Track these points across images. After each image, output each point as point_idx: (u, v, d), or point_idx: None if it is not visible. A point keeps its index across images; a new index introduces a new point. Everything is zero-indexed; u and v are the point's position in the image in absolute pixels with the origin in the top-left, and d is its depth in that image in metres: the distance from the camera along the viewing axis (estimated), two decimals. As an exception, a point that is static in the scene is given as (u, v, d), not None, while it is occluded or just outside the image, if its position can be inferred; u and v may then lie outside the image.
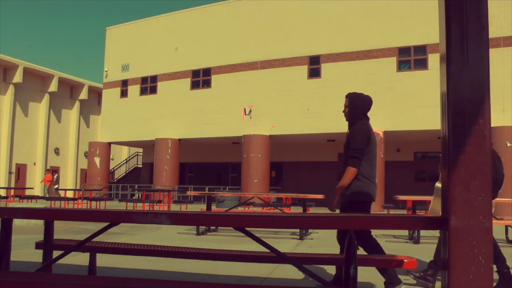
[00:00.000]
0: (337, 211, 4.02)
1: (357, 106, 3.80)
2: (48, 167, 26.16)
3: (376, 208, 15.52)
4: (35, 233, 7.07)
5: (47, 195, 20.44)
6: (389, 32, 16.57)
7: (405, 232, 8.27)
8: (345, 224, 2.17)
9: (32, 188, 23.87)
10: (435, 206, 4.08)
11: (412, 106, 16.01)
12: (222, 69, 19.89)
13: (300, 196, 8.90)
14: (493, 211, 3.96)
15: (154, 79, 21.90)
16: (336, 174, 21.82)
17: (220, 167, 24.07)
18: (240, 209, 10.19)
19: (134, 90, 22.57)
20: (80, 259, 4.42)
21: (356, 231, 3.51)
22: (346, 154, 3.76)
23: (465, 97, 1.76)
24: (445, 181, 1.80)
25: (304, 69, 18.12)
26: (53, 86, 28.89)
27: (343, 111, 3.91)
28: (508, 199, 9.46)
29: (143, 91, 22.30)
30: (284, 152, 21.60)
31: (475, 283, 1.70)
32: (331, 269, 3.44)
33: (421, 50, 16.22)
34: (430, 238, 7.87)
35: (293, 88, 18.07)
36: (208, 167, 24.33)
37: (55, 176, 23.92)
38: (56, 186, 23.21)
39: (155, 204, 13.20)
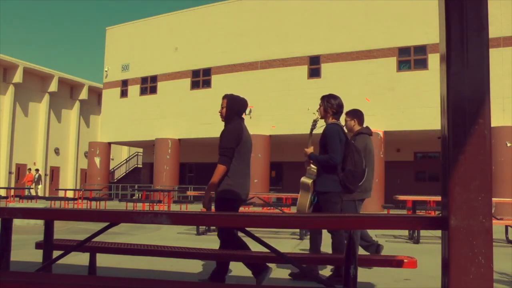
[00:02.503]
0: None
1: (233, 107, 3.94)
2: (29, 167, 25.66)
3: (376, 208, 15.52)
4: (35, 233, 7.07)
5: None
6: (389, 32, 16.57)
7: (405, 232, 8.26)
8: (345, 224, 2.17)
9: (32, 188, 23.87)
10: (302, 201, 4.17)
11: (412, 106, 16.01)
12: (222, 69, 19.90)
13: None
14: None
15: (154, 79, 21.90)
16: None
17: (220, 167, 24.02)
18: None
19: (134, 90, 22.57)
20: (80, 259, 4.41)
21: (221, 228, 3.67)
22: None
23: (465, 97, 1.76)
24: (445, 181, 1.80)
25: (304, 69, 18.12)
26: (53, 86, 28.89)
27: (219, 111, 4.05)
28: (508, 199, 9.47)
29: (143, 91, 22.30)
30: (284, 152, 21.59)
31: (475, 283, 1.70)
32: (331, 269, 3.45)
33: (421, 50, 16.22)
34: (430, 238, 7.87)
35: (293, 88, 18.07)
36: (208, 167, 24.18)
37: (36, 176, 23.65)
38: (39, 186, 22.73)
39: (155, 204, 13.20)
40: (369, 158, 4.72)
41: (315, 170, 4.22)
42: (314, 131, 4.39)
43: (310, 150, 4.26)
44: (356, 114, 5.06)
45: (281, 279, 4.28)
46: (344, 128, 4.35)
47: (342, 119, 4.59)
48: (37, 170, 24.67)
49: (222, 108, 4.02)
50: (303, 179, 4.26)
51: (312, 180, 4.19)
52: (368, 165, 4.63)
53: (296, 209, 4.31)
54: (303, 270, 4.11)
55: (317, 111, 4.40)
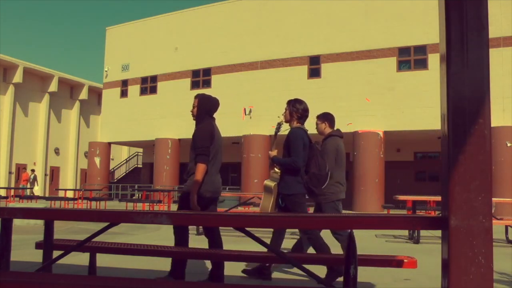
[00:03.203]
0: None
1: (204, 107, 4.03)
2: (14, 166, 25.51)
3: (376, 208, 15.53)
4: (35, 233, 7.07)
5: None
6: (389, 32, 16.57)
7: (405, 232, 8.26)
8: (345, 224, 2.17)
9: (32, 188, 23.87)
10: (265, 203, 4.27)
11: (412, 106, 16.01)
12: (222, 69, 19.90)
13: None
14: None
15: (154, 79, 21.90)
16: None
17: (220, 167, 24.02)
18: (240, 209, 10.19)
19: (134, 90, 22.57)
20: (80, 259, 4.41)
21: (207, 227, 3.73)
22: (193, 152, 3.94)
23: (465, 97, 1.76)
24: (445, 181, 1.80)
25: (304, 69, 18.12)
26: (53, 86, 28.89)
27: (191, 111, 4.12)
28: (508, 199, 9.48)
29: (143, 91, 22.30)
30: (284, 152, 21.59)
31: (475, 283, 1.70)
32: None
33: (421, 50, 16.22)
34: (430, 238, 7.87)
35: (293, 88, 18.05)
36: (208, 167, 24.26)
37: (32, 176, 23.53)
38: (36, 188, 22.46)
39: (155, 204, 13.20)
40: (340, 160, 4.87)
41: (279, 173, 4.31)
42: (279, 134, 4.50)
43: (273, 153, 4.38)
44: (327, 117, 5.13)
45: (280, 279, 4.28)
46: (308, 132, 4.40)
47: (311, 124, 4.69)
48: (32, 170, 24.59)
49: (193, 107, 4.10)
50: (266, 182, 4.37)
51: (275, 183, 4.27)
52: (340, 167, 4.83)
53: (259, 211, 4.40)
54: (257, 268, 4.21)
55: (283, 115, 4.49)
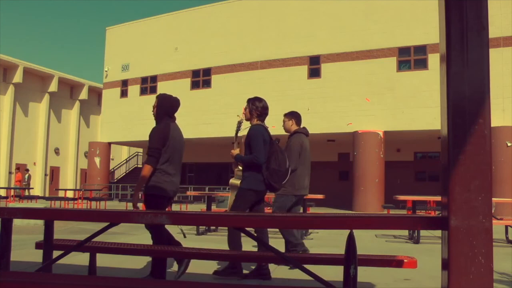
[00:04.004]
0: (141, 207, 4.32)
1: (163, 107, 4.05)
2: (14, 165, 25.28)
3: (376, 208, 15.52)
4: (35, 233, 7.07)
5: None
6: (389, 32, 16.57)
7: (405, 232, 8.26)
8: (345, 224, 2.17)
9: (32, 188, 23.86)
10: (231, 201, 4.40)
11: (412, 106, 16.00)
12: (222, 69, 19.90)
13: (300, 196, 8.87)
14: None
15: (154, 79, 21.90)
16: (336, 174, 21.92)
17: (220, 167, 24.05)
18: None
19: (134, 90, 22.57)
20: (80, 259, 4.41)
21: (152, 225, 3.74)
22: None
23: (465, 97, 1.76)
24: (445, 181, 1.80)
25: (304, 69, 18.12)
26: (53, 86, 28.88)
27: (152, 111, 4.15)
28: (508, 199, 9.47)
29: (143, 91, 22.30)
30: (284, 152, 21.58)
31: (475, 283, 1.70)
32: (331, 269, 3.45)
33: (421, 50, 16.22)
34: (430, 238, 7.87)
35: (293, 88, 18.07)
36: (208, 167, 24.32)
37: (26, 176, 23.41)
38: (27, 186, 22.21)
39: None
40: (305, 156, 5.02)
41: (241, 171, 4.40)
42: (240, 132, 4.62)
43: (236, 151, 4.44)
44: (294, 115, 5.31)
45: (277, 279, 4.29)
46: (269, 129, 4.48)
47: (275, 121, 4.81)
48: (27, 170, 24.50)
49: (153, 108, 4.12)
50: (232, 180, 4.49)
51: (240, 181, 4.36)
52: (304, 163, 4.98)
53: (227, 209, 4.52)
54: (227, 268, 4.25)
55: (243, 113, 4.56)
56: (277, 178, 4.23)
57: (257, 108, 4.45)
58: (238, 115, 4.78)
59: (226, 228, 4.96)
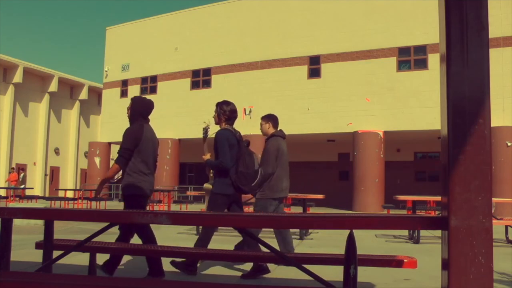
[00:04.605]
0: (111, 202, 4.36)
1: (136, 109, 4.12)
2: (10, 165, 25.12)
3: (376, 208, 15.52)
4: (35, 233, 7.07)
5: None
6: (389, 32, 16.57)
7: (405, 232, 8.26)
8: (345, 224, 2.17)
9: (32, 188, 23.84)
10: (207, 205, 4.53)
11: (412, 106, 16.01)
12: (222, 69, 19.89)
13: (300, 196, 8.88)
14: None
15: (154, 79, 21.90)
16: (336, 174, 21.92)
17: (220, 167, 24.02)
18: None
19: (134, 90, 22.55)
20: (80, 259, 4.42)
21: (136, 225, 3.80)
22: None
23: (465, 97, 1.76)
24: (445, 181, 1.80)
25: (304, 69, 18.12)
26: (53, 86, 28.88)
27: (127, 113, 4.23)
28: (508, 199, 9.47)
29: (143, 91, 22.28)
30: (284, 152, 21.57)
31: (475, 283, 1.70)
32: (331, 269, 3.44)
33: (421, 50, 16.22)
34: (430, 238, 7.87)
35: (293, 88, 18.07)
36: (208, 167, 24.26)
37: (22, 175, 23.30)
38: (22, 186, 21.82)
39: (155, 204, 13.20)
40: (282, 160, 5.08)
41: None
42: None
43: (206, 156, 4.55)
44: (271, 118, 5.33)
45: (277, 279, 4.29)
46: (236, 132, 4.53)
47: (251, 124, 4.88)
48: (22, 169, 24.41)
49: (127, 110, 4.20)
50: (205, 185, 4.63)
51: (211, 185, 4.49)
52: (282, 166, 5.06)
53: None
54: (186, 263, 4.29)
55: (213, 117, 4.62)
56: (245, 181, 4.32)
57: (224, 112, 4.51)
58: (204, 121, 4.90)
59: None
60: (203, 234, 4.37)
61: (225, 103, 4.56)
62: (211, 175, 4.55)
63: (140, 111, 4.11)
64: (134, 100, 4.18)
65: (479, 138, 1.74)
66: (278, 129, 5.31)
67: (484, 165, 1.73)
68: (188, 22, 20.97)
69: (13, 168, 24.25)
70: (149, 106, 4.21)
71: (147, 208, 4.33)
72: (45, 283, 2.30)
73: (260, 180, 4.55)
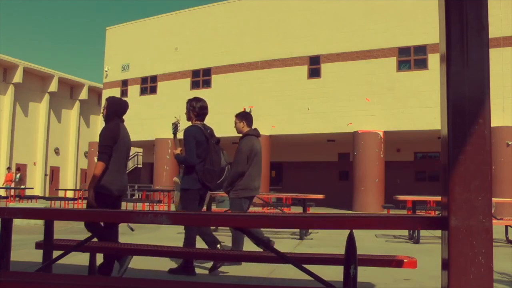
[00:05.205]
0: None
1: (111, 109, 4.17)
2: (9, 165, 25.02)
3: (376, 208, 15.52)
4: (35, 233, 7.07)
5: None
6: (389, 32, 16.57)
7: (405, 232, 8.26)
8: (345, 224, 2.17)
9: (32, 188, 23.85)
10: (177, 199, 4.66)
11: (412, 106, 16.01)
12: (222, 69, 19.89)
13: (300, 196, 8.89)
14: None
15: (154, 79, 21.90)
16: (336, 174, 21.92)
17: (220, 167, 24.03)
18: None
19: (134, 90, 22.57)
20: (80, 259, 4.42)
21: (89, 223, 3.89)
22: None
23: (465, 97, 1.76)
24: (445, 181, 1.80)
25: (304, 69, 18.12)
26: (53, 86, 28.88)
27: (102, 113, 4.31)
28: (508, 199, 9.47)
29: (143, 91, 22.30)
30: (284, 152, 21.59)
31: (475, 283, 1.70)
32: (331, 269, 3.44)
33: (421, 50, 16.22)
34: (430, 238, 7.87)
35: (293, 88, 18.07)
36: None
37: (18, 175, 23.21)
38: (20, 186, 21.95)
39: (155, 204, 13.20)
40: (255, 158, 5.13)
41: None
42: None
43: (176, 151, 4.62)
44: (245, 117, 5.36)
45: (277, 279, 4.29)
46: (207, 129, 4.59)
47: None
48: (18, 169, 24.34)
49: (103, 109, 4.27)
50: (174, 178, 4.76)
51: (180, 180, 4.58)
52: (255, 165, 5.11)
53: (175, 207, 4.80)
54: (182, 265, 4.31)
55: (185, 113, 4.70)
56: (210, 178, 4.41)
57: (194, 108, 4.58)
58: (175, 116, 4.97)
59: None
60: (188, 233, 4.44)
61: (195, 99, 4.64)
62: (182, 170, 4.64)
63: (115, 111, 4.17)
64: (109, 100, 4.24)
65: (479, 138, 1.74)
66: (253, 127, 5.33)
67: (484, 165, 1.73)
68: (188, 22, 20.97)
69: (8, 168, 24.12)
70: (124, 106, 4.27)
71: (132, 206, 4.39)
72: (45, 283, 2.29)
73: (227, 178, 4.66)
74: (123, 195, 4.28)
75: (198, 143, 4.39)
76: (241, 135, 5.31)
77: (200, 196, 4.49)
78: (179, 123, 4.77)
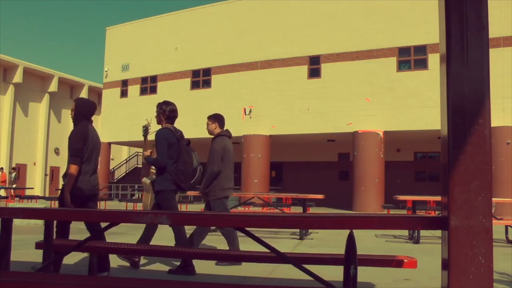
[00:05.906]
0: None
1: (79, 110, 4.21)
2: (1, 166, 24.74)
3: (376, 208, 15.52)
4: (35, 233, 7.07)
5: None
6: (389, 32, 16.57)
7: (405, 232, 8.26)
8: (345, 224, 2.17)
9: (32, 188, 23.85)
10: (145, 200, 4.73)
11: (412, 106, 16.00)
12: (222, 69, 19.89)
13: (300, 196, 8.89)
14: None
15: (154, 79, 21.90)
16: (336, 174, 21.92)
17: (220, 167, 24.00)
18: (240, 209, 10.18)
19: (134, 90, 22.56)
20: (80, 259, 4.42)
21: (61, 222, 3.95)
22: (68, 153, 4.17)
23: (465, 97, 1.76)
24: (445, 181, 1.80)
25: (304, 69, 18.12)
26: (53, 86, 28.89)
27: (70, 114, 4.35)
28: (508, 199, 9.47)
29: (143, 91, 22.29)
30: (284, 152, 21.59)
31: (475, 283, 1.70)
32: (331, 269, 3.44)
33: (421, 50, 16.22)
34: (430, 238, 7.87)
35: (293, 88, 18.07)
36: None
37: (13, 175, 23.09)
38: (14, 186, 21.53)
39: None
40: (228, 158, 5.27)
41: (155, 172, 4.67)
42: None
43: (147, 153, 4.73)
44: (217, 118, 5.52)
45: (278, 279, 4.29)
46: (177, 131, 4.69)
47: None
48: (14, 168, 24.27)
49: (71, 111, 4.29)
50: (143, 179, 4.79)
51: (150, 181, 4.66)
52: (228, 165, 5.25)
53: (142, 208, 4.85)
54: (181, 266, 4.33)
55: (155, 117, 4.77)
56: (184, 178, 4.50)
57: (164, 111, 4.68)
58: (146, 119, 5.09)
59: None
60: (146, 231, 4.61)
61: (165, 103, 4.73)
62: (153, 171, 4.70)
63: (83, 112, 4.21)
64: (78, 102, 4.28)
65: (479, 138, 1.74)
66: (225, 128, 5.50)
67: (484, 165, 1.73)
68: (188, 22, 20.97)
69: (1, 168, 23.94)
70: (93, 107, 4.32)
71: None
72: (45, 283, 2.29)
73: (204, 179, 4.78)
74: (96, 194, 4.35)
75: (170, 145, 4.50)
76: (212, 136, 5.46)
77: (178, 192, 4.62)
78: (149, 126, 4.86)
